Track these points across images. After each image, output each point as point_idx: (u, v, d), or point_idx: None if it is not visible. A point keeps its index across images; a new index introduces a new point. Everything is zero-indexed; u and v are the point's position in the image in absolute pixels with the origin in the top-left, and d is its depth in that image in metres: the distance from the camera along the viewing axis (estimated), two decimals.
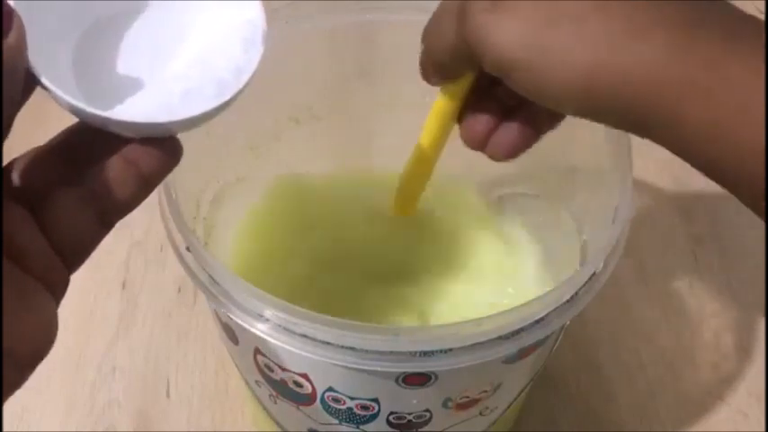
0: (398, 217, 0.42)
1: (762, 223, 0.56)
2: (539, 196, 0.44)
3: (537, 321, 0.30)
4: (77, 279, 0.55)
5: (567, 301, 0.31)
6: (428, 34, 0.30)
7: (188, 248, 0.32)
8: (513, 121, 0.31)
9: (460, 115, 0.32)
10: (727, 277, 0.54)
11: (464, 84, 0.31)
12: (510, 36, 0.25)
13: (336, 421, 0.35)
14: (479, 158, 0.44)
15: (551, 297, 0.30)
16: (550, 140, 0.40)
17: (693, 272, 0.54)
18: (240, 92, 0.27)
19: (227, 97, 0.26)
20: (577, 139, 0.39)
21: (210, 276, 0.31)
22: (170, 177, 0.35)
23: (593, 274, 0.32)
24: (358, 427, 0.35)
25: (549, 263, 0.43)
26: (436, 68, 0.30)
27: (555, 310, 0.31)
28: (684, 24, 0.23)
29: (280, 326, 0.30)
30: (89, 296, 0.51)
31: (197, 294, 0.52)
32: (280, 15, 0.40)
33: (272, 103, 0.43)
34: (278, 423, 0.39)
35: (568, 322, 0.32)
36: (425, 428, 0.35)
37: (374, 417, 0.34)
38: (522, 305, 0.30)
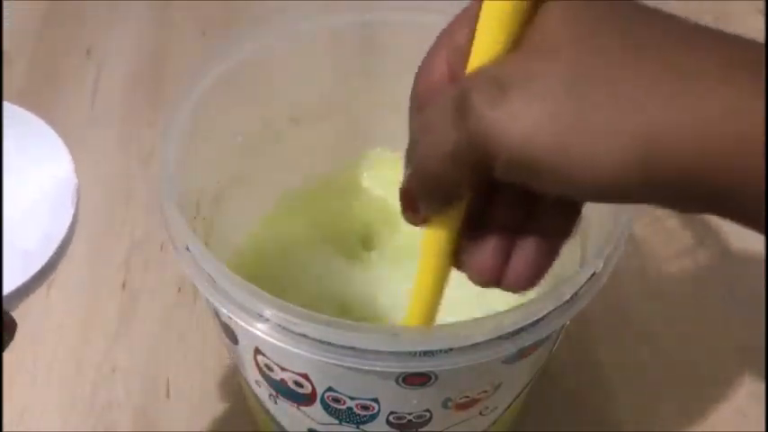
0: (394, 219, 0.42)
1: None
2: None
3: (537, 321, 0.30)
4: (77, 279, 0.55)
5: (567, 301, 0.31)
6: (418, 147, 0.24)
7: (188, 248, 0.32)
8: (527, 240, 0.25)
9: (458, 253, 0.27)
10: (728, 278, 0.54)
11: (460, 208, 0.25)
12: (532, 123, 0.20)
13: (336, 421, 0.35)
14: None
15: (551, 297, 0.30)
16: None
17: (693, 272, 0.54)
18: (52, 262, 0.24)
19: (32, 272, 0.24)
20: None
21: (210, 276, 0.31)
22: (170, 177, 0.35)
23: (593, 274, 0.32)
24: (358, 427, 0.35)
25: None
26: (429, 191, 0.24)
27: (555, 310, 0.31)
28: (737, 65, 0.19)
29: (280, 326, 0.30)
30: (89, 296, 0.51)
31: (197, 294, 0.52)
32: (280, 15, 0.40)
33: (272, 103, 0.43)
34: (278, 423, 0.39)
35: (568, 322, 0.32)
36: (425, 428, 0.35)
37: (374, 417, 0.34)
38: (522, 305, 0.30)
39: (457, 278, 0.42)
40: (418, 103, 0.26)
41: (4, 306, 0.23)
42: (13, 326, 0.23)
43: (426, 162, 0.23)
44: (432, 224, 0.26)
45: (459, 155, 0.22)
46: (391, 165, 0.46)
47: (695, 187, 0.20)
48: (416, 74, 0.26)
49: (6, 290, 0.23)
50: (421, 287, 0.28)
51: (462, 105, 0.21)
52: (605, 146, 0.19)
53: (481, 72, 0.22)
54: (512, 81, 0.21)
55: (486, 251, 0.26)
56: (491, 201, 0.25)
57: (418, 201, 0.25)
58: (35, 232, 0.25)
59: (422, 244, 0.27)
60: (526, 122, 0.20)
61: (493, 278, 0.26)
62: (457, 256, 0.27)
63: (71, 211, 0.25)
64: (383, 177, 0.47)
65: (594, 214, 0.38)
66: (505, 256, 0.26)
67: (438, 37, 0.26)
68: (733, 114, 0.19)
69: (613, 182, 0.20)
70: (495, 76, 0.21)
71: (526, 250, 0.25)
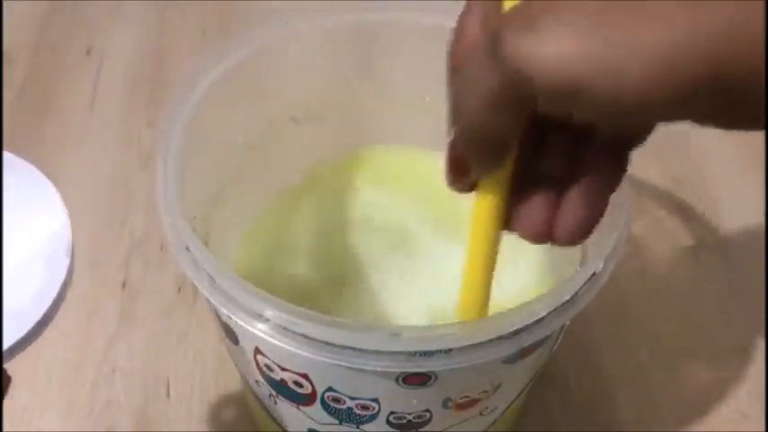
0: (396, 218, 0.42)
1: (762, 223, 0.57)
2: None
3: (537, 321, 0.30)
4: (77, 279, 0.55)
5: (567, 301, 0.31)
6: (456, 98, 0.24)
7: (188, 248, 0.32)
8: (574, 192, 0.25)
9: (508, 213, 0.27)
10: (728, 278, 0.54)
11: (508, 167, 0.25)
12: (563, 46, 0.20)
13: (336, 421, 0.35)
14: None
15: (551, 297, 0.30)
16: None
17: (694, 272, 0.54)
18: (45, 319, 0.24)
19: (25, 330, 0.24)
20: None
21: (210, 276, 0.31)
22: (170, 178, 0.35)
23: (593, 274, 0.32)
24: (358, 427, 0.35)
25: (550, 263, 0.43)
26: (478, 143, 0.24)
27: (555, 310, 0.31)
28: None
29: (280, 326, 0.30)
30: (89, 296, 0.51)
31: (197, 294, 0.52)
32: (280, 15, 0.40)
33: (272, 103, 0.43)
34: (278, 423, 0.39)
35: (568, 322, 0.32)
36: (425, 428, 0.35)
37: (374, 417, 0.34)
38: (522, 305, 0.30)
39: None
40: (453, 66, 0.25)
41: None
42: (7, 381, 0.23)
43: (470, 116, 0.23)
44: (482, 188, 0.26)
45: (500, 96, 0.22)
46: (385, 158, 0.46)
47: (723, 92, 0.20)
48: (451, 38, 0.26)
49: None
50: (475, 259, 0.28)
51: (494, 44, 0.21)
52: (635, 60, 0.20)
53: (509, 12, 0.22)
54: (539, 12, 0.21)
55: (536, 206, 0.26)
56: (536, 156, 0.25)
57: (468, 162, 0.25)
58: (29, 290, 0.25)
59: (473, 212, 0.27)
60: (557, 45, 0.20)
61: (544, 233, 0.26)
62: (506, 217, 0.27)
63: (65, 266, 0.25)
64: (378, 172, 0.47)
65: None
66: (555, 210, 0.26)
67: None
68: (751, 17, 0.19)
69: (644, 97, 0.20)
70: (522, 12, 0.22)
71: (574, 202, 0.25)
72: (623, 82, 0.20)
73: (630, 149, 0.26)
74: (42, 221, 0.26)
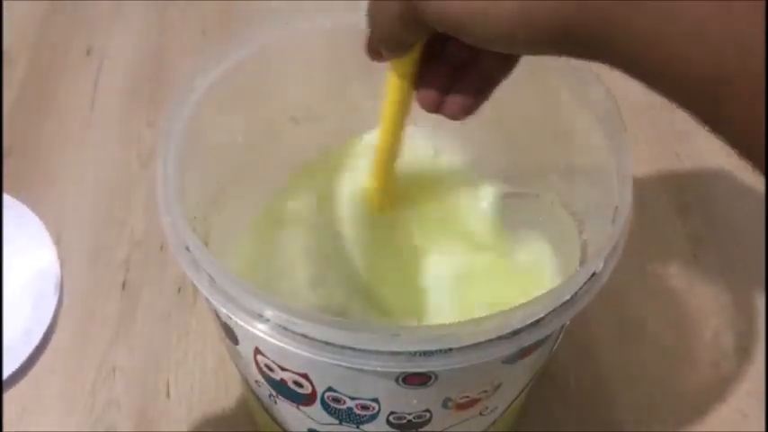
0: (397, 218, 0.42)
1: (762, 223, 0.56)
2: (539, 196, 0.44)
3: (537, 321, 0.30)
4: (77, 279, 0.55)
5: (567, 301, 0.31)
6: (372, 10, 0.31)
7: (188, 248, 0.32)
8: (465, 78, 0.32)
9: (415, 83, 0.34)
10: (727, 277, 0.54)
11: (416, 51, 0.32)
12: None
13: (336, 421, 0.35)
14: (479, 159, 0.44)
15: (551, 297, 0.30)
16: (550, 140, 0.40)
17: (693, 272, 0.54)
18: (32, 358, 0.24)
19: (12, 369, 0.24)
20: (577, 138, 0.39)
21: (210, 276, 0.31)
22: (170, 178, 0.35)
23: (594, 274, 0.32)
24: (358, 427, 0.35)
25: (549, 263, 0.43)
26: (386, 42, 0.31)
27: (555, 310, 0.31)
28: None
29: (280, 326, 0.30)
30: (89, 296, 0.51)
31: (197, 294, 0.52)
32: (280, 15, 0.40)
33: (272, 103, 0.43)
34: (278, 423, 0.39)
35: (568, 322, 0.32)
36: (425, 428, 0.35)
37: (374, 417, 0.34)
38: (522, 305, 0.30)
39: (463, 275, 0.42)
40: None
41: None
42: None
43: (381, 25, 0.30)
44: (394, 62, 0.33)
45: (404, 18, 0.29)
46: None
47: (573, 40, 0.25)
48: None
49: None
50: (387, 118, 0.36)
51: None
52: (495, 14, 0.26)
53: None
54: None
55: (435, 82, 0.33)
56: (441, 48, 0.32)
57: (379, 49, 0.32)
58: (16, 329, 0.24)
59: (388, 80, 0.34)
60: None
61: (435, 104, 0.33)
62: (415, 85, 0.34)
63: (53, 304, 0.25)
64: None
65: (594, 215, 0.38)
66: (448, 89, 0.33)
67: None
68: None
69: (504, 37, 0.26)
70: None
71: (464, 84, 0.33)
72: (489, 29, 0.26)
73: (515, 58, 0.32)
74: (31, 259, 0.26)
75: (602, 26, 0.24)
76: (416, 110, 0.35)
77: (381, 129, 0.37)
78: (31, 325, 0.24)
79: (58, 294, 0.26)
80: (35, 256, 0.26)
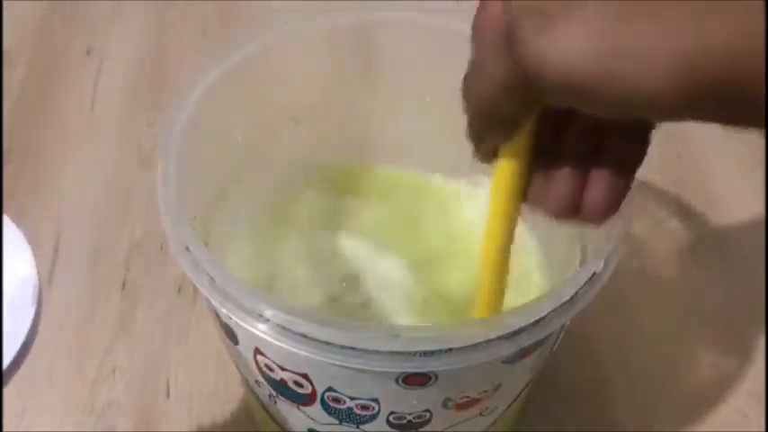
0: (398, 217, 0.42)
1: (762, 223, 0.56)
2: None
3: (537, 321, 0.30)
4: (77, 279, 0.55)
5: (567, 301, 0.31)
6: (471, 84, 0.25)
7: (188, 248, 0.32)
8: (600, 169, 0.26)
9: (531, 188, 0.27)
10: (727, 278, 0.54)
11: (526, 137, 0.26)
12: (576, 49, 0.21)
13: (336, 421, 0.35)
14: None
15: (551, 297, 0.30)
16: None
17: (693, 272, 0.54)
18: (12, 366, 0.24)
19: None
20: None
21: (210, 276, 0.31)
22: (170, 178, 0.35)
23: (594, 274, 0.32)
24: (358, 427, 0.35)
25: (550, 263, 0.43)
26: (490, 123, 0.25)
27: (555, 310, 0.31)
28: None
29: (280, 326, 0.30)
30: (89, 296, 0.51)
31: (197, 294, 0.52)
32: (280, 15, 0.40)
33: (272, 103, 0.43)
34: (278, 423, 0.39)
35: (568, 322, 0.32)
36: (425, 428, 0.35)
37: (374, 417, 0.34)
38: (522, 305, 0.30)
39: (463, 275, 0.42)
40: (476, 35, 0.26)
41: None
42: None
43: (480, 95, 0.24)
44: (501, 159, 0.27)
45: (510, 84, 0.23)
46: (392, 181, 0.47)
47: (731, 99, 0.21)
48: (477, 6, 0.26)
49: None
50: (494, 233, 0.29)
51: (509, 36, 0.22)
52: (645, 66, 0.21)
53: (527, 1, 0.23)
54: (556, 9, 0.22)
55: (562, 182, 0.26)
56: (562, 133, 0.26)
57: (481, 133, 0.26)
58: None
59: (493, 183, 0.28)
60: (570, 48, 0.21)
61: (570, 207, 0.26)
62: (530, 192, 0.28)
63: (31, 311, 0.25)
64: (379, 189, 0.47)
65: None
66: (580, 186, 0.26)
67: None
68: (756, 31, 0.20)
69: (659, 100, 0.21)
70: (539, 5, 0.22)
71: (600, 179, 0.26)
72: (637, 85, 0.21)
73: (652, 129, 0.26)
74: (8, 267, 0.25)
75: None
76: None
77: (490, 242, 0.30)
78: (9, 334, 0.24)
79: (35, 305, 0.25)
80: (12, 267, 0.26)
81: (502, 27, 0.23)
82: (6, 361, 0.24)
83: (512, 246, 0.30)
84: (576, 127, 0.26)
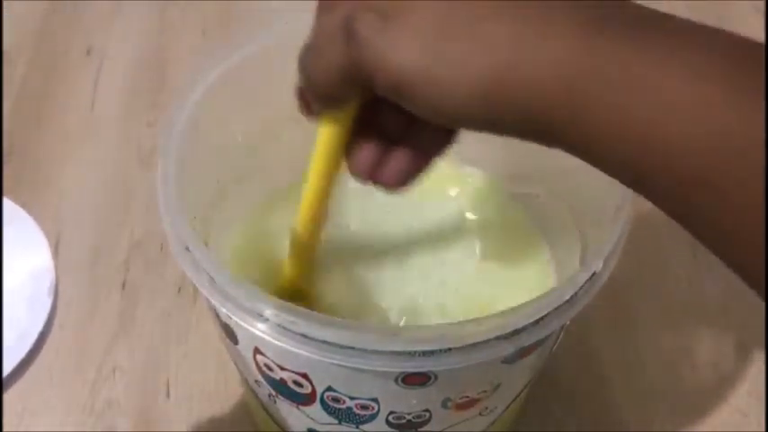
0: (397, 218, 0.42)
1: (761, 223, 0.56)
2: (539, 196, 0.44)
3: (537, 321, 0.30)
4: (77, 279, 0.55)
5: (567, 301, 0.31)
6: (309, 63, 0.27)
7: (188, 248, 0.32)
8: (402, 149, 0.29)
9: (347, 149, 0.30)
10: (728, 277, 0.54)
11: (350, 110, 0.29)
12: (405, 54, 0.23)
13: (336, 421, 0.35)
14: (480, 159, 0.44)
15: (551, 297, 0.30)
16: None
17: (693, 272, 0.54)
18: (27, 359, 0.23)
19: (6, 372, 0.23)
20: None
21: (210, 276, 0.31)
22: (170, 178, 0.35)
23: (594, 274, 0.32)
24: (357, 427, 0.35)
25: (550, 263, 0.43)
26: (320, 98, 0.28)
27: (555, 310, 0.31)
28: (586, 23, 0.22)
29: (280, 326, 0.30)
30: (89, 296, 0.51)
31: (197, 294, 0.52)
32: (280, 15, 0.40)
33: (272, 103, 0.43)
34: (278, 423, 0.39)
35: (568, 322, 0.32)
36: (425, 428, 0.35)
37: (374, 417, 0.34)
38: (522, 305, 0.30)
39: (463, 275, 0.42)
40: (319, 10, 0.28)
41: None
42: None
43: (316, 79, 0.27)
44: (327, 119, 0.30)
45: (345, 74, 0.25)
46: None
47: (530, 119, 0.23)
48: None
49: None
50: (313, 179, 0.32)
51: (348, 30, 0.24)
52: (459, 82, 0.23)
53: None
54: (393, 12, 0.24)
55: (368, 152, 0.29)
56: (379, 108, 0.28)
57: (311, 102, 0.29)
58: (10, 332, 0.24)
59: (317, 138, 0.31)
60: (402, 53, 0.23)
61: (366, 172, 0.30)
62: (346, 150, 0.30)
63: (47, 303, 0.25)
64: None
65: (594, 215, 0.38)
66: (381, 157, 0.29)
67: None
68: (558, 63, 0.22)
69: (464, 111, 0.23)
70: (379, 5, 0.24)
71: (400, 157, 0.29)
72: (447, 95, 0.23)
73: (456, 132, 0.29)
74: (26, 261, 0.25)
75: (583, 105, 0.22)
76: None
77: (307, 190, 0.33)
78: (25, 326, 0.24)
79: (52, 297, 0.25)
80: (30, 259, 0.26)
81: (340, 16, 0.25)
82: (23, 352, 0.24)
83: (327, 198, 0.33)
84: (392, 108, 0.27)
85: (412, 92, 0.24)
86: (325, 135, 0.30)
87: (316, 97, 0.28)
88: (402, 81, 0.24)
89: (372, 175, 0.30)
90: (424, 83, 0.23)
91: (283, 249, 0.44)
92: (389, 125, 0.29)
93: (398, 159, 0.29)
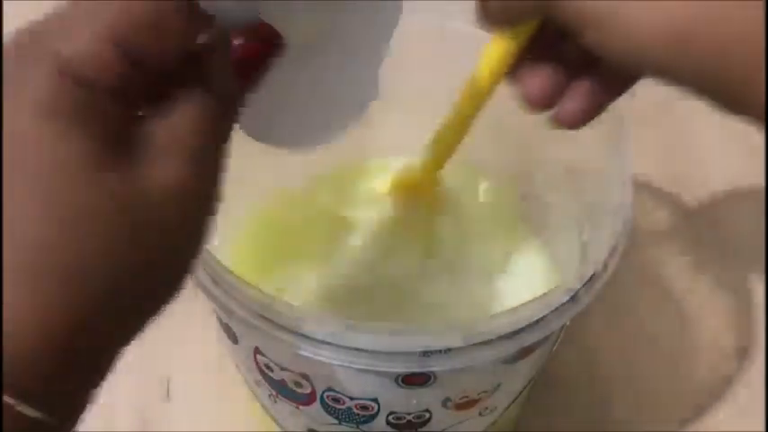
0: (397, 218, 0.42)
1: (762, 223, 0.56)
2: (539, 196, 0.44)
3: (537, 321, 0.30)
4: None
5: (567, 301, 0.31)
6: None
7: None
8: (582, 82, 0.27)
9: (516, 71, 0.28)
10: (727, 277, 0.54)
11: (530, 27, 0.27)
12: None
13: (336, 421, 0.35)
14: (480, 159, 0.44)
15: (551, 297, 0.30)
16: (551, 140, 0.40)
17: (693, 272, 0.54)
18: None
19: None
20: (578, 138, 0.39)
21: (210, 276, 0.31)
22: None
23: (593, 274, 0.32)
24: (357, 427, 0.35)
25: (550, 263, 0.43)
26: (502, 10, 0.27)
27: (555, 310, 0.31)
28: None
29: (280, 326, 0.30)
30: None
31: (197, 294, 0.52)
32: None
33: None
34: (278, 423, 0.39)
35: (568, 322, 0.32)
36: (425, 428, 0.35)
37: (373, 417, 0.34)
38: (522, 305, 0.30)
39: (463, 275, 0.42)
40: None
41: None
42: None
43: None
44: (501, 35, 0.28)
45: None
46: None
47: (715, 69, 0.22)
48: None
49: None
50: (471, 90, 0.30)
51: None
52: (649, 22, 0.22)
53: None
54: None
55: (546, 75, 0.27)
56: (560, 41, 0.27)
57: (491, 14, 0.27)
58: None
59: (486, 50, 0.28)
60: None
61: (541, 101, 0.28)
62: (517, 73, 0.28)
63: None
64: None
65: (594, 215, 0.38)
66: (559, 87, 0.28)
67: None
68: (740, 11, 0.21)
69: (650, 54, 0.23)
70: None
71: (581, 90, 0.27)
72: (634, 35, 0.22)
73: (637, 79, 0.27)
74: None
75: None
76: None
77: (461, 104, 0.31)
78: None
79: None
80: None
81: None
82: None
83: (479, 111, 0.31)
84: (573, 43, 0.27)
85: (590, 30, 0.23)
86: (494, 47, 0.28)
87: (499, 9, 0.27)
88: (583, 16, 0.23)
89: (546, 104, 0.28)
90: (608, 21, 0.23)
91: (284, 249, 0.44)
92: (571, 53, 0.27)
93: (578, 92, 0.28)
